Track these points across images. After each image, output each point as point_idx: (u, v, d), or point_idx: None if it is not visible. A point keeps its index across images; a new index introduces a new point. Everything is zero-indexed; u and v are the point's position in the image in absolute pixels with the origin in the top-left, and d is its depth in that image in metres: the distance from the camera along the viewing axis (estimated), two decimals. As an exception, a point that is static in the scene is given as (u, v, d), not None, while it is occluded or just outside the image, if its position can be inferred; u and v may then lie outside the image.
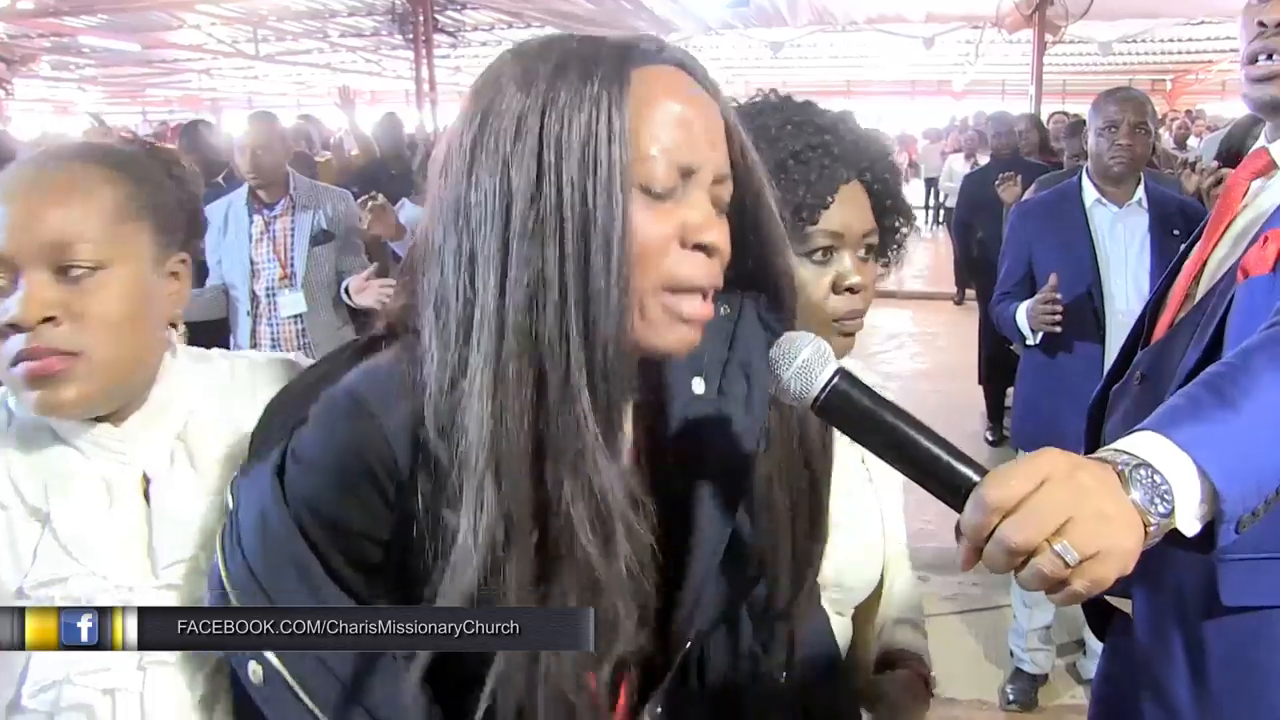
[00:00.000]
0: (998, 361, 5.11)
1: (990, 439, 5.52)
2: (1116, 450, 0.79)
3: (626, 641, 0.83)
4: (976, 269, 6.25)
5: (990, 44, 14.59)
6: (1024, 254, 2.98)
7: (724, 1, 11.42)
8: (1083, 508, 0.71)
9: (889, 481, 1.36)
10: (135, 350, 0.98)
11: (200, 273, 4.01)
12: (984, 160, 7.07)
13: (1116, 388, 1.48)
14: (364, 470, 0.79)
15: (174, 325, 1.06)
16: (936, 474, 0.77)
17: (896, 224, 1.30)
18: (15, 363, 0.92)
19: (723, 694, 0.96)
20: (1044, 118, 7.24)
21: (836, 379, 0.79)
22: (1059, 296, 2.73)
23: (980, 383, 5.69)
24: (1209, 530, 0.83)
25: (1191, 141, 10.68)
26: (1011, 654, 3.19)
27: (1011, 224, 3.13)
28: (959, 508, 0.75)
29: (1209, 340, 1.24)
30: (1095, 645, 3.01)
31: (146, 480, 0.99)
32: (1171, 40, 15.02)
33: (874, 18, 12.99)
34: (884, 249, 1.31)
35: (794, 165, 1.21)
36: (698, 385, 0.89)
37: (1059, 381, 2.85)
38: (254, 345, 3.48)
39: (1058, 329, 2.75)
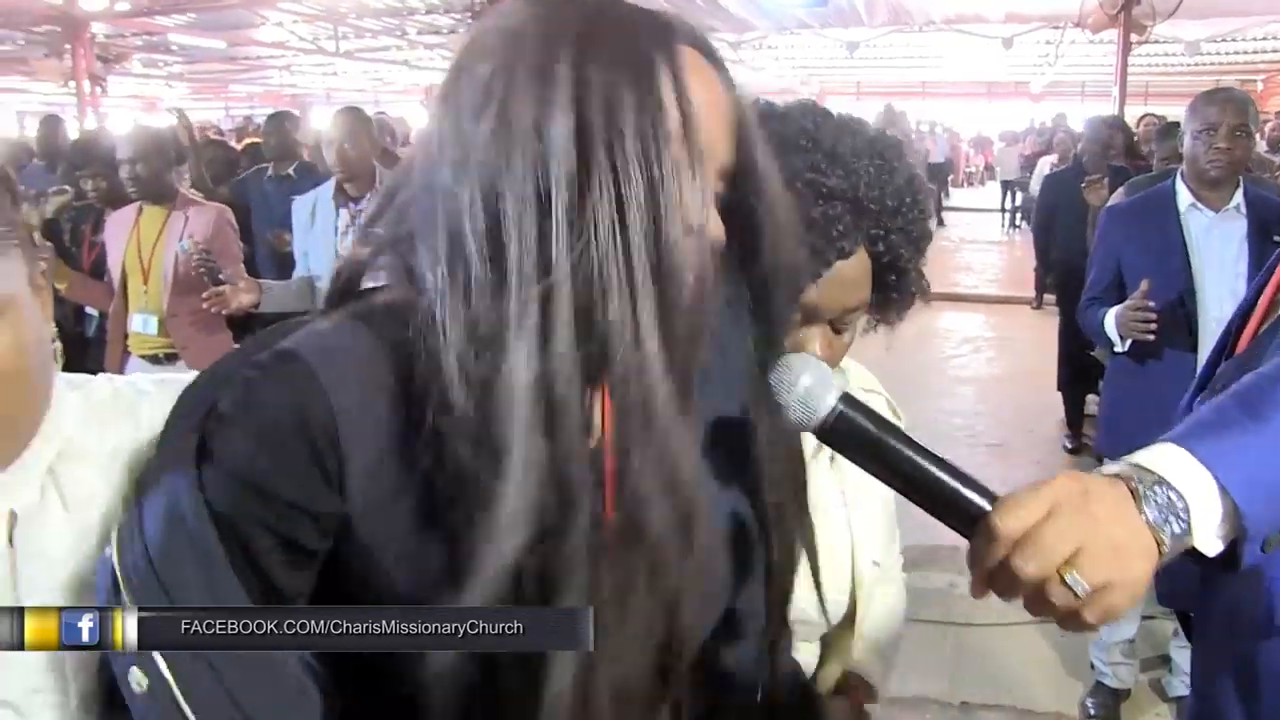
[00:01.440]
0: (1078, 367, 4.99)
1: (1069, 446, 5.40)
2: (1135, 465, 0.76)
3: (689, 646, 0.78)
4: (1055, 272, 6.12)
5: (1071, 44, 14.27)
6: (1114, 258, 2.90)
7: (800, 1, 11.34)
8: (1094, 537, 0.70)
9: (867, 505, 1.29)
10: (33, 394, 0.85)
11: (285, 264, 4.09)
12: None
13: (1200, 399, 1.44)
14: (299, 433, 0.71)
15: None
16: (944, 501, 0.76)
17: (899, 294, 1.15)
18: None
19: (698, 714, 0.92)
20: (1128, 120, 7.06)
21: (841, 406, 0.78)
22: (1151, 304, 2.64)
23: (1059, 388, 5.55)
24: (1235, 549, 0.79)
25: (1285, 145, 10.32)
26: (1093, 666, 3.11)
27: (1102, 227, 3.05)
28: (968, 535, 0.74)
29: None
30: (1181, 662, 2.94)
31: (14, 518, 0.87)
32: (1264, 39, 14.51)
33: (952, 18, 12.81)
34: (879, 309, 1.17)
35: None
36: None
37: (1148, 391, 2.73)
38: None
39: (1150, 337, 2.65)
